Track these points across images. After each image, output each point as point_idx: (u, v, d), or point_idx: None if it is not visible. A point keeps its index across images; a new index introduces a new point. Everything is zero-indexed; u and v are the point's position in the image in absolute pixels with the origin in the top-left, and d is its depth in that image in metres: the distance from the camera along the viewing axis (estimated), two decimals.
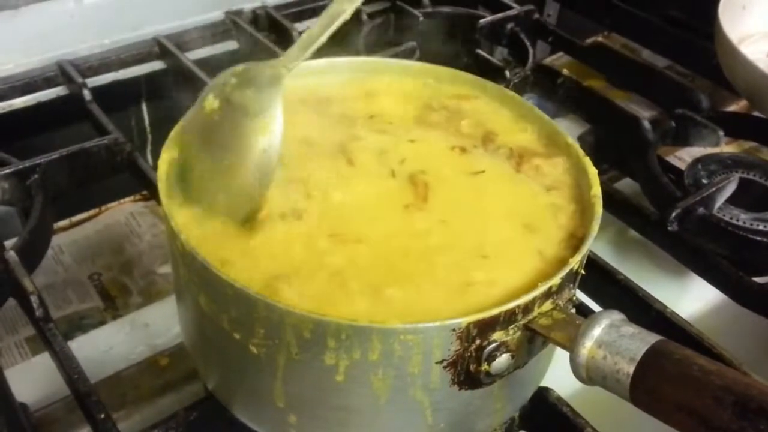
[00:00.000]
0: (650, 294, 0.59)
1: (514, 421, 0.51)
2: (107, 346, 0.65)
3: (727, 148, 0.83)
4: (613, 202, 0.68)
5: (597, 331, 0.38)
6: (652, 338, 0.37)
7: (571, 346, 0.39)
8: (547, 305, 0.41)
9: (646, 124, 0.76)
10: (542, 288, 0.40)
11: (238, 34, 0.87)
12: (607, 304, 0.60)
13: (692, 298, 0.68)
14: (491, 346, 0.40)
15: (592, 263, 0.61)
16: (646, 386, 0.36)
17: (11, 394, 0.53)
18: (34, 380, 0.60)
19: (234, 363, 0.44)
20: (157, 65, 0.83)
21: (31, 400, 0.57)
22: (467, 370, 0.41)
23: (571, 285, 0.43)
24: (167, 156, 0.46)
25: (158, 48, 0.83)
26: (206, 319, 0.43)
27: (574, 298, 0.44)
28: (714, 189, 0.67)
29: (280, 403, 0.42)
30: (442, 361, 0.40)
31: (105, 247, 0.81)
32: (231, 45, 0.88)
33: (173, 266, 0.46)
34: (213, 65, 0.84)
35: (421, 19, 0.88)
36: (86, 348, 0.64)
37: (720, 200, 0.68)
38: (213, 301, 0.41)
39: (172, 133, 0.47)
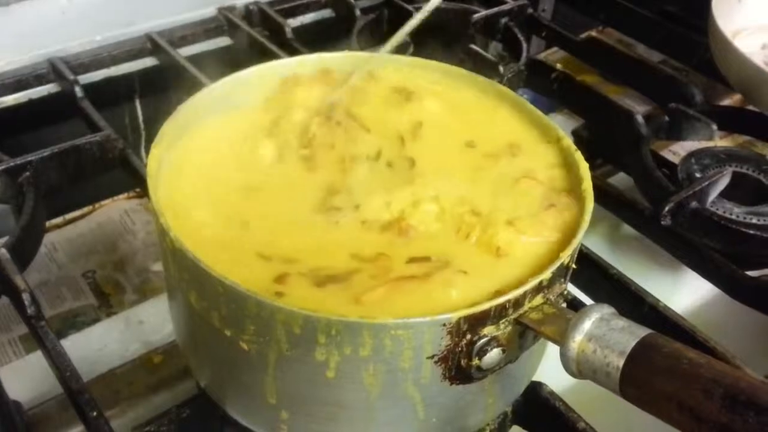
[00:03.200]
0: (643, 288, 0.59)
1: (506, 416, 0.51)
2: (101, 344, 0.65)
3: (722, 142, 0.83)
4: (606, 196, 0.68)
5: (587, 324, 0.38)
6: (642, 331, 0.37)
7: (561, 340, 0.39)
8: (538, 300, 0.41)
9: (640, 119, 0.75)
10: (533, 282, 0.40)
11: (231, 29, 0.87)
12: (600, 299, 0.60)
13: (686, 292, 0.68)
14: (482, 341, 0.40)
15: (585, 257, 0.61)
16: (636, 380, 0.36)
17: (4, 391, 0.53)
18: (27, 378, 0.60)
19: (225, 360, 0.43)
20: (149, 61, 0.83)
21: (25, 398, 0.57)
22: (458, 364, 0.41)
23: (562, 279, 0.43)
24: (157, 152, 0.46)
25: (150, 44, 0.82)
26: (197, 316, 0.42)
27: (566, 292, 0.44)
28: (707, 183, 0.67)
29: (272, 400, 0.42)
30: (433, 356, 0.40)
31: (99, 245, 0.81)
32: (224, 41, 0.87)
33: (164, 263, 0.46)
34: (206, 61, 0.84)
35: (414, 14, 0.88)
36: (80, 346, 0.64)
37: (713, 194, 0.68)
38: (203, 298, 0.41)
39: (162, 129, 0.47)
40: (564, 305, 0.43)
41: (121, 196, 0.86)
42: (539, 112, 0.54)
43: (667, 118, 0.77)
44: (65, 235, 0.81)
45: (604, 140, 0.79)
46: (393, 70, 0.58)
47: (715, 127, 0.74)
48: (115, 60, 0.81)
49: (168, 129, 0.47)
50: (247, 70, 0.54)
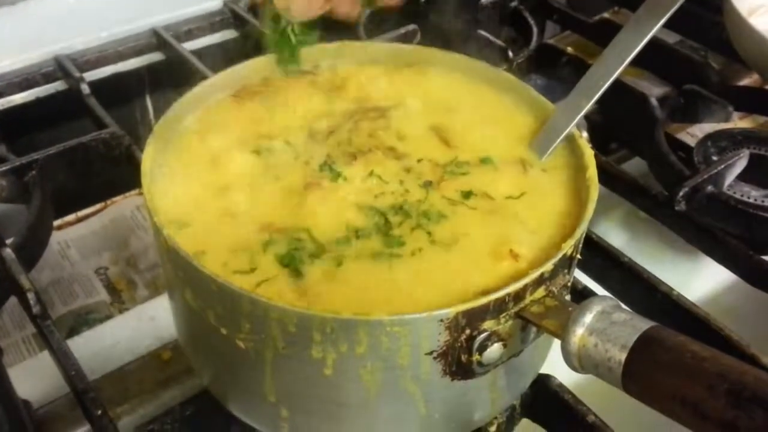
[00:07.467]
0: (656, 276, 0.58)
1: (515, 409, 0.50)
2: (114, 341, 0.65)
3: (741, 123, 0.81)
4: (619, 182, 0.67)
5: (588, 318, 0.37)
6: (644, 324, 0.36)
7: (562, 334, 0.37)
8: (540, 292, 0.40)
9: (653, 101, 0.74)
10: (534, 275, 0.39)
11: (236, 22, 0.86)
12: (611, 288, 0.59)
13: (702, 279, 0.67)
14: (482, 336, 0.39)
15: (596, 246, 0.59)
16: (638, 375, 0.35)
17: (13, 391, 0.53)
18: (39, 376, 0.60)
19: (224, 358, 0.43)
20: (155, 57, 0.83)
21: (36, 396, 0.57)
22: (458, 360, 0.40)
23: (566, 271, 0.42)
24: (151, 150, 0.46)
25: (155, 39, 0.82)
26: (194, 314, 0.42)
27: (569, 283, 0.43)
28: (723, 166, 0.65)
29: (272, 398, 0.42)
30: (431, 352, 0.39)
31: (111, 241, 0.81)
32: (230, 34, 0.87)
33: (161, 262, 0.45)
34: (213, 54, 0.83)
35: (422, 0, 0.86)
36: (93, 343, 0.64)
37: (730, 177, 0.66)
38: (198, 297, 0.41)
39: (156, 127, 0.47)
40: (568, 297, 0.42)
41: (132, 192, 0.86)
42: (543, 99, 0.52)
43: (682, 100, 0.75)
44: (78, 233, 0.81)
45: (618, 124, 0.78)
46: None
47: (731, 108, 0.72)
48: (122, 56, 0.81)
49: (161, 127, 0.47)
50: (241, 64, 0.53)
